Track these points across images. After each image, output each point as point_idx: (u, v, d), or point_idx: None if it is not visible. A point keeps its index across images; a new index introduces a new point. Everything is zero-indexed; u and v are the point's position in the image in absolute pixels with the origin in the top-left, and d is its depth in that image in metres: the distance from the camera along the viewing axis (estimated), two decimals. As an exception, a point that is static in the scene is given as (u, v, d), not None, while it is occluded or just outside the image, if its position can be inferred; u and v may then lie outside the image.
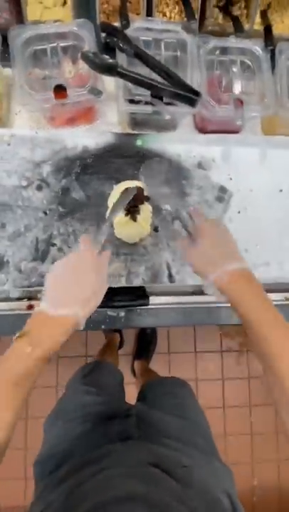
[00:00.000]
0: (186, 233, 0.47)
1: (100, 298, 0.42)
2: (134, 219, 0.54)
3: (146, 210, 0.56)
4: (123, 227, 0.56)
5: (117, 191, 0.56)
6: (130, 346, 1.41)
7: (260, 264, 0.63)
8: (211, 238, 0.44)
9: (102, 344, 1.29)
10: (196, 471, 0.42)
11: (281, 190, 0.66)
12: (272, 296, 0.63)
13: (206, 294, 0.64)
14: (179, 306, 0.63)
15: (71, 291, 0.39)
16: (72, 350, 1.35)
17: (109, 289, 0.58)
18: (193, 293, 0.64)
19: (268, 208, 0.64)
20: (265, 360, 0.37)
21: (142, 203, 0.55)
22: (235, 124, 0.63)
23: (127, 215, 0.54)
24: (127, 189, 0.53)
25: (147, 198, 0.56)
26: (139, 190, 0.53)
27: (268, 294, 0.62)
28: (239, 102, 0.59)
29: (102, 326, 0.62)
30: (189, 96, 0.53)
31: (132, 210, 0.54)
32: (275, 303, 0.62)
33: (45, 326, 0.37)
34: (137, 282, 0.59)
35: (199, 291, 0.65)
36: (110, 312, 0.62)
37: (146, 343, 1.38)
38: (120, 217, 0.55)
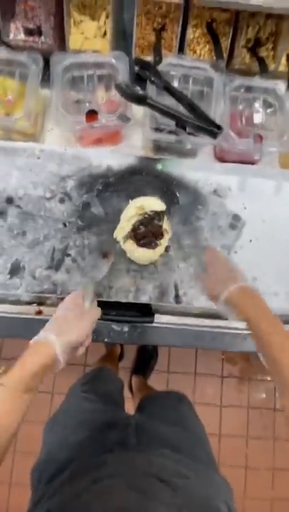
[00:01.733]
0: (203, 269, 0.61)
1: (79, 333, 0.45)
2: (152, 248, 0.58)
3: (164, 239, 0.59)
4: (135, 251, 0.58)
5: (132, 206, 0.58)
6: (129, 361, 1.40)
7: (268, 294, 0.64)
8: (216, 268, 0.57)
9: (101, 355, 1.30)
10: (196, 482, 0.42)
11: (294, 224, 0.67)
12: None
13: (211, 318, 0.65)
14: (183, 327, 0.64)
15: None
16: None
17: (116, 303, 0.60)
18: (198, 316, 0.65)
19: (280, 240, 0.65)
20: (268, 356, 0.42)
21: (161, 237, 0.58)
22: (253, 157, 0.66)
23: (142, 245, 0.57)
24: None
25: (166, 232, 0.59)
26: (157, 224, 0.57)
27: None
28: (259, 137, 0.62)
29: (106, 339, 0.64)
30: (211, 129, 0.56)
31: (148, 246, 0.58)
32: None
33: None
34: (143, 299, 0.61)
35: (204, 315, 0.65)
36: (115, 326, 0.64)
37: (146, 358, 1.38)
38: (133, 243, 0.57)
